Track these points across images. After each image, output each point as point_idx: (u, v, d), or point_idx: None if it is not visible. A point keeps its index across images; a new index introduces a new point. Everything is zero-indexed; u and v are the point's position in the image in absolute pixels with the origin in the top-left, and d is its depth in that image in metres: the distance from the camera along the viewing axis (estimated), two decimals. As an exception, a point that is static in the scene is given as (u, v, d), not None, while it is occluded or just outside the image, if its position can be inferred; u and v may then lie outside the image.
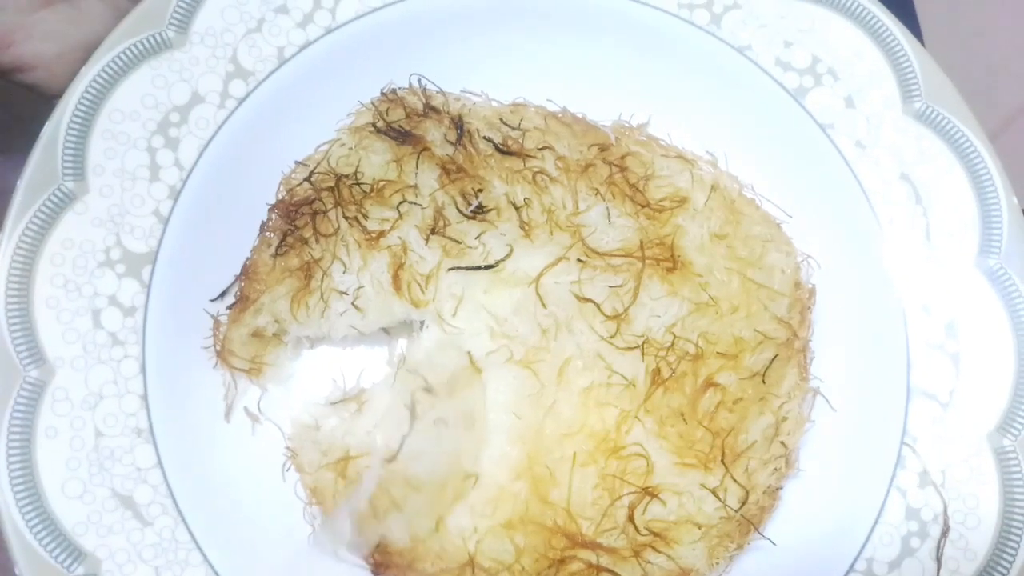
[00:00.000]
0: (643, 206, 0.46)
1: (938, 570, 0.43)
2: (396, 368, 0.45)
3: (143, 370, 0.44)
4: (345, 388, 0.46)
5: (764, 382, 0.45)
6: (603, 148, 0.48)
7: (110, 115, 0.45)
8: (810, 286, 0.48)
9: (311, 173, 0.46)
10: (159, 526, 0.42)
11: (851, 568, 0.44)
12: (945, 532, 0.44)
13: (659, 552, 0.42)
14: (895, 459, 0.46)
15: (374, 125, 0.47)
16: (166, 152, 0.46)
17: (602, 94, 0.51)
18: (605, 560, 0.41)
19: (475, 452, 0.43)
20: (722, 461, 0.43)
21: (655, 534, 0.42)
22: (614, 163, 0.47)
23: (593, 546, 0.41)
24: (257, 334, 0.46)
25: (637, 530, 0.42)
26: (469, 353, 0.44)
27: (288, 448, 0.45)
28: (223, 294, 0.47)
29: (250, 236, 0.47)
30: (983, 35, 0.60)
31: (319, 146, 0.48)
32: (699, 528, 0.42)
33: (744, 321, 0.46)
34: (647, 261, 0.45)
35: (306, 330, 0.46)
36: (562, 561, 0.42)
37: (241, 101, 0.47)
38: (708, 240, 0.47)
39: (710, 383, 0.44)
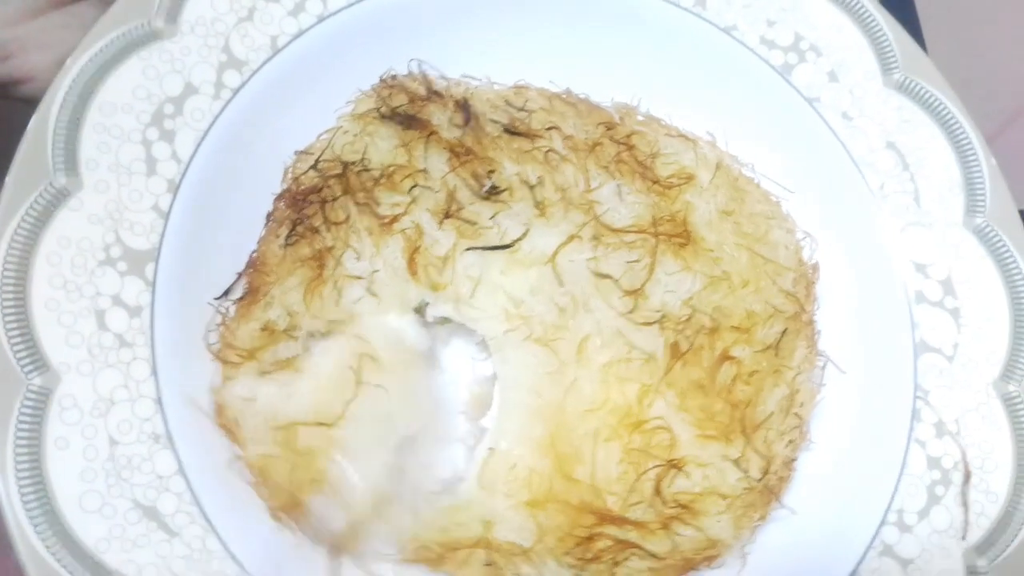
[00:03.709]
0: (654, 182, 0.52)
1: (965, 513, 0.50)
2: (349, 333, 0.48)
3: (155, 372, 0.45)
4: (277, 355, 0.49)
5: (777, 355, 0.51)
6: (609, 127, 0.54)
7: (100, 107, 0.47)
8: (812, 263, 0.55)
9: (317, 160, 0.50)
10: (187, 536, 0.43)
11: (883, 521, 0.50)
12: (967, 477, 0.51)
13: (687, 524, 0.46)
14: (910, 413, 0.52)
15: (378, 111, 0.51)
16: (162, 145, 0.48)
17: (589, 78, 0.57)
18: (633, 535, 0.45)
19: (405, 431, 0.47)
20: (743, 432, 0.48)
21: (682, 506, 0.46)
22: (621, 141, 0.53)
23: (621, 521, 0.45)
24: (267, 328, 0.48)
25: (664, 503, 0.46)
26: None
27: (222, 425, 0.46)
28: (227, 292, 0.49)
29: (254, 228, 0.50)
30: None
31: (321, 134, 0.52)
32: (724, 499, 0.47)
33: (754, 295, 0.52)
34: (660, 237, 0.51)
35: (319, 321, 0.49)
36: (589, 539, 0.46)
37: (236, 91, 0.50)
38: (716, 217, 0.53)
39: (726, 356, 0.50)
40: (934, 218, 0.55)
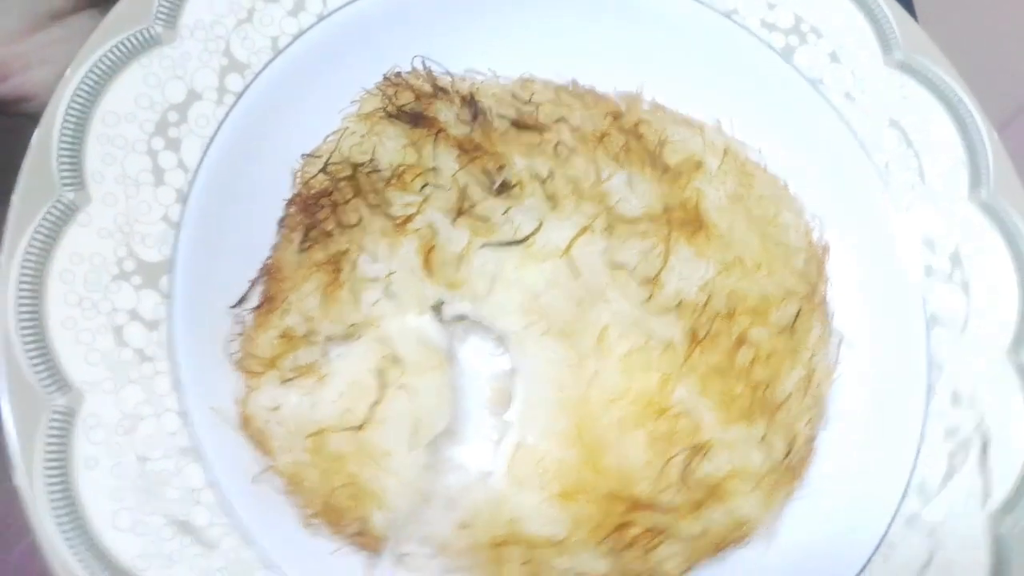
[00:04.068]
0: (664, 170, 0.53)
1: (986, 480, 0.51)
2: (369, 337, 0.48)
3: (177, 386, 0.45)
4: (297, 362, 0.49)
5: (793, 336, 0.52)
6: (616, 117, 0.54)
7: (104, 118, 0.46)
8: (822, 243, 0.56)
9: (326, 163, 0.50)
10: (224, 548, 0.43)
11: (906, 492, 0.51)
12: (985, 445, 0.52)
13: (716, 506, 0.47)
14: (925, 386, 0.53)
15: (384, 110, 0.51)
16: (168, 154, 0.48)
17: (592, 68, 0.57)
18: (664, 520, 0.46)
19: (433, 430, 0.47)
20: (764, 413, 0.49)
21: (710, 489, 0.47)
22: (629, 131, 0.53)
23: (652, 507, 0.46)
24: (286, 335, 0.48)
25: (692, 487, 0.47)
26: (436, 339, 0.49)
27: (249, 436, 0.46)
28: (243, 299, 0.49)
29: (266, 234, 0.50)
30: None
31: (327, 136, 0.51)
32: (750, 480, 0.48)
33: (768, 278, 0.53)
34: (673, 225, 0.52)
35: (338, 326, 0.49)
36: (622, 527, 0.46)
37: (240, 95, 0.50)
38: (726, 202, 0.54)
39: (743, 340, 0.51)
40: (939, 194, 0.56)
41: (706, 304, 0.50)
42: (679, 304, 0.49)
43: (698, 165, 0.53)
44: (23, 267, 0.43)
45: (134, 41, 0.47)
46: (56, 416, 0.42)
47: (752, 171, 0.55)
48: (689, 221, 0.51)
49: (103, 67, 0.47)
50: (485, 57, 0.54)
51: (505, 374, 0.51)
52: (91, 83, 0.46)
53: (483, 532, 0.45)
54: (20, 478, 0.41)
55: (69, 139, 0.45)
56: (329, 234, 0.48)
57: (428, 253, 0.49)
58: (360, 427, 0.46)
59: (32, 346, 0.42)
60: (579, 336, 0.48)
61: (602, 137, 0.53)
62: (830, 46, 0.58)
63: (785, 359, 0.52)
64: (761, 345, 0.50)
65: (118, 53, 0.47)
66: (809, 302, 0.53)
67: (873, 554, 0.50)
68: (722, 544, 0.48)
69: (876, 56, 0.58)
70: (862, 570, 0.49)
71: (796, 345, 0.52)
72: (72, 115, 0.46)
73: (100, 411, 0.43)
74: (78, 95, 0.46)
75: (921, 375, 0.54)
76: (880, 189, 0.57)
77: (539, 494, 0.46)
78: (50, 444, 0.42)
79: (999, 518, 0.50)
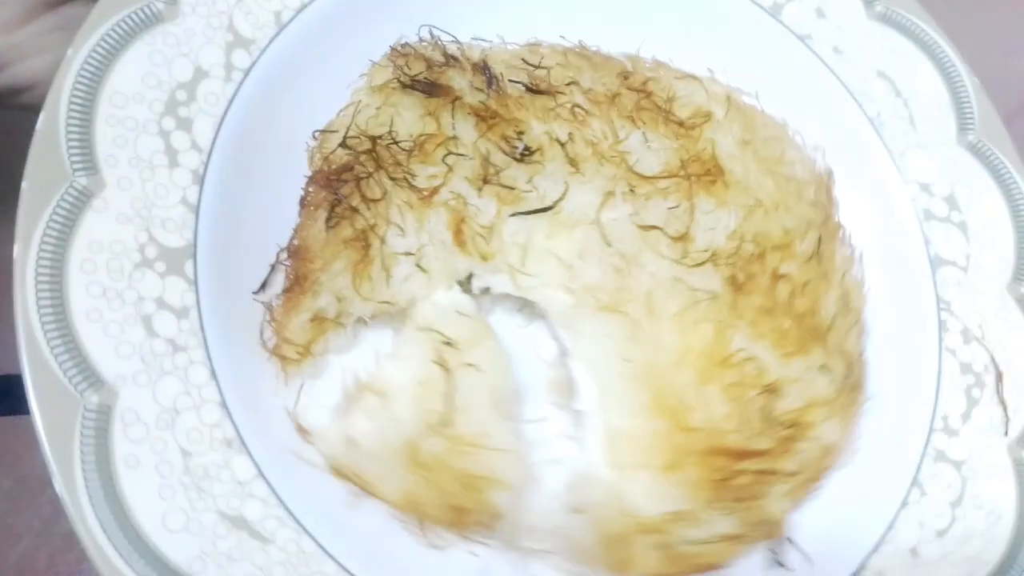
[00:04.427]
0: (679, 125, 0.53)
1: (1004, 411, 0.53)
2: (411, 330, 0.47)
3: (214, 375, 0.43)
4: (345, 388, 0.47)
5: (820, 262, 0.53)
6: (624, 76, 0.54)
7: (111, 99, 0.44)
8: (826, 170, 0.58)
9: (345, 138, 0.48)
10: (281, 541, 0.41)
11: (931, 428, 0.53)
12: (999, 377, 0.54)
13: (802, 439, 0.48)
14: (937, 324, 0.55)
15: (398, 80, 0.50)
16: (180, 134, 0.45)
17: (593, 29, 0.57)
18: (764, 464, 0.47)
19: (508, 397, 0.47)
20: (816, 340, 0.50)
21: (792, 424, 0.48)
22: (639, 89, 0.54)
23: (749, 454, 0.46)
24: (317, 317, 0.46)
25: (776, 426, 0.47)
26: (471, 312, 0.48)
27: (342, 478, 0.45)
28: (264, 285, 0.47)
29: (286, 214, 0.48)
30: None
31: (341, 110, 0.50)
32: (824, 406, 0.49)
33: (786, 214, 0.54)
34: (692, 178, 0.52)
35: (369, 305, 0.47)
36: (729, 480, 0.46)
37: (247, 72, 0.48)
38: (737, 149, 0.54)
39: (777, 276, 0.51)
40: (930, 139, 0.59)
41: (737, 250, 0.50)
42: (713, 255, 0.50)
43: (707, 116, 0.54)
44: (40, 258, 0.40)
45: (135, 19, 0.45)
46: (90, 415, 0.39)
47: (753, 115, 0.56)
48: (707, 172, 0.52)
49: (106, 46, 0.44)
50: (488, 24, 0.54)
51: (557, 360, 0.51)
52: (95, 63, 0.44)
53: (601, 523, 0.45)
54: (59, 484, 0.38)
55: (77, 121, 0.43)
56: (355, 210, 0.46)
57: (459, 224, 0.47)
58: (446, 422, 0.44)
59: (58, 341, 0.40)
60: (628, 305, 0.48)
61: (614, 97, 0.52)
62: (815, 2, 0.59)
63: (820, 285, 0.53)
64: (795, 277, 0.51)
65: (120, 31, 0.44)
66: (826, 228, 0.55)
67: (908, 492, 0.51)
68: (817, 474, 0.49)
69: (859, 10, 0.60)
70: (901, 507, 0.51)
71: (825, 269, 0.53)
72: (78, 96, 0.43)
73: (137, 406, 0.40)
74: (83, 76, 0.43)
75: (932, 313, 0.55)
76: (875, 137, 0.58)
77: (646, 473, 0.45)
78: (87, 445, 0.39)
79: (1020, 448, 0.52)
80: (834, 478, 0.51)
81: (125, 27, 0.45)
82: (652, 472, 0.46)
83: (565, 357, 0.51)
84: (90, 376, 0.40)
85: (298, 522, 0.42)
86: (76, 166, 0.42)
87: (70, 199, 0.42)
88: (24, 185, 0.41)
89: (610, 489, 0.47)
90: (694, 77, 0.56)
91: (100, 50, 0.44)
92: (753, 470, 0.47)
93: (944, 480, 0.52)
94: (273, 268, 0.47)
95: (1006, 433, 0.53)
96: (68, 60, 0.43)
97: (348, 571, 0.42)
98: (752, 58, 0.59)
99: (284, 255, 0.48)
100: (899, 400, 0.53)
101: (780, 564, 0.48)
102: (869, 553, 0.49)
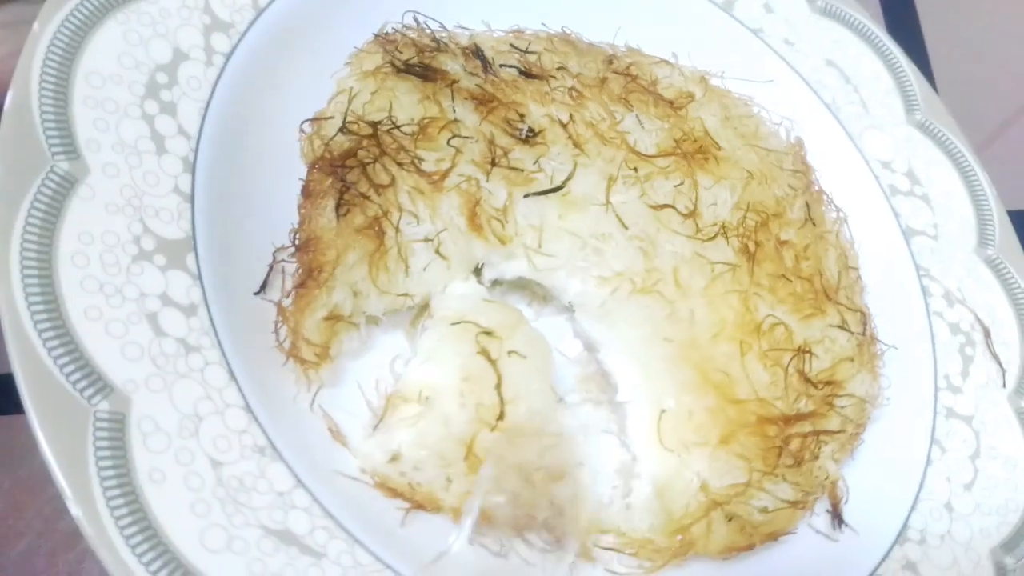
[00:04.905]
0: (669, 105, 0.53)
1: (998, 364, 0.55)
2: (441, 327, 0.44)
3: (233, 377, 0.37)
4: (378, 397, 0.44)
5: (814, 225, 0.54)
6: (609, 61, 0.53)
7: (87, 78, 0.39)
8: (796, 139, 0.59)
9: (344, 123, 0.44)
10: (334, 554, 0.35)
11: (936, 387, 0.53)
12: (987, 333, 0.56)
13: (840, 395, 0.47)
14: (921, 290, 0.57)
15: (392, 65, 0.47)
16: (165, 119, 0.40)
17: (566, 17, 0.56)
18: (811, 425, 0.46)
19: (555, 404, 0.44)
20: (829, 299, 0.50)
21: (828, 383, 0.47)
22: (624, 73, 0.53)
23: (797, 418, 0.45)
24: (332, 315, 0.42)
25: (815, 386, 0.47)
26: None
27: (395, 495, 0.40)
28: (264, 286, 0.42)
29: (284, 202, 0.43)
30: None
31: (333, 97, 0.46)
32: (851, 361, 0.49)
33: (774, 183, 0.54)
34: (689, 156, 0.52)
35: (382, 301, 0.43)
36: (783, 446, 0.45)
37: (228, 56, 0.44)
38: (719, 126, 0.55)
39: (781, 242, 0.51)
40: (883, 120, 0.61)
41: (743, 221, 0.50)
42: (722, 228, 0.49)
43: (690, 96, 0.54)
44: (25, 248, 0.34)
45: (105, -6, 0.40)
46: (102, 424, 0.33)
47: (724, 95, 0.57)
48: (699, 150, 0.52)
49: (76, 21, 0.39)
50: (470, 11, 0.52)
51: (585, 356, 0.49)
52: (65, 38, 0.39)
53: (669, 506, 0.43)
54: (74, 505, 0.32)
55: (51, 101, 0.37)
56: (365, 196, 0.43)
57: (473, 209, 0.45)
58: (501, 416, 0.40)
59: (56, 343, 0.33)
60: (660, 285, 0.46)
61: (603, 82, 0.52)
62: (762, -1, 0.62)
63: (819, 246, 0.53)
64: (795, 243, 0.51)
65: (90, 6, 0.40)
66: (809, 192, 0.56)
67: (930, 450, 0.51)
68: (859, 428, 0.49)
69: (802, 5, 0.63)
70: (927, 465, 0.51)
71: (820, 232, 0.54)
72: (50, 74, 0.38)
73: (154, 413, 0.35)
74: (53, 52, 0.38)
75: (914, 280, 0.57)
76: (833, 121, 0.61)
77: (704, 450, 0.43)
78: (103, 459, 0.33)
79: (1019, 397, 0.54)
80: (861, 449, 0.51)
81: (95, 3, 0.40)
82: (710, 448, 0.44)
83: (594, 352, 0.49)
84: (96, 380, 0.34)
85: (348, 532, 0.36)
86: (55, 149, 0.37)
87: (52, 185, 0.36)
88: (-2, 169, 0.35)
89: (671, 471, 0.44)
90: (667, 62, 0.57)
91: (70, 25, 0.39)
92: (803, 433, 0.46)
93: (959, 436, 0.52)
94: (271, 268, 0.43)
95: (1004, 385, 0.54)
96: (34, 35, 0.38)
97: (410, 582, 0.37)
98: (712, 50, 0.60)
99: (281, 254, 0.43)
100: (903, 365, 0.54)
101: (842, 522, 0.47)
102: (908, 512, 0.49)
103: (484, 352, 0.41)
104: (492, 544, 0.40)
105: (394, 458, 0.40)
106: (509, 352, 0.42)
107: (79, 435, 0.33)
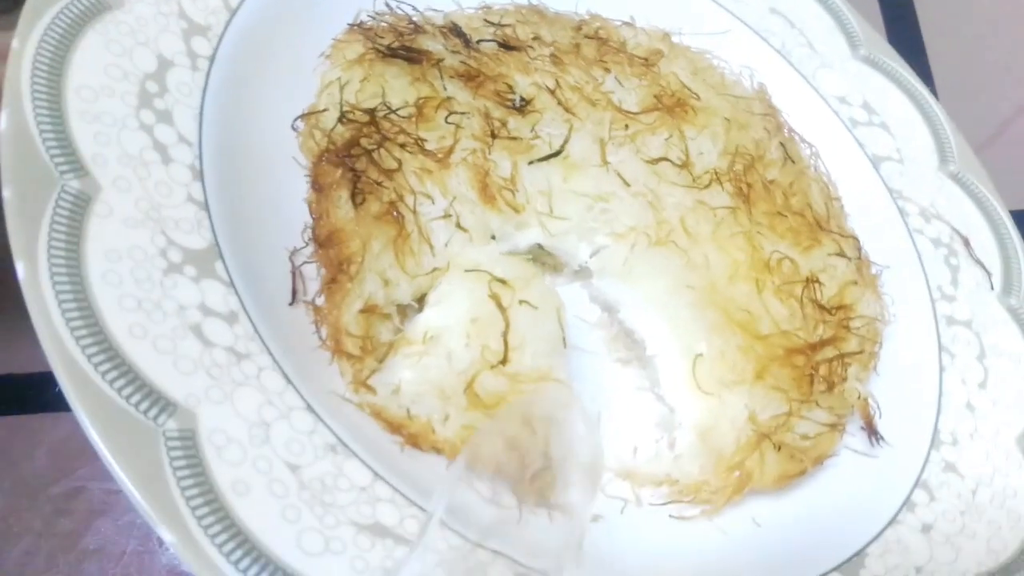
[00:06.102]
0: (644, 62, 0.53)
1: (984, 268, 0.57)
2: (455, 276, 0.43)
3: (288, 379, 0.36)
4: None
5: (794, 162, 0.55)
6: (578, 28, 0.54)
7: (78, 92, 0.36)
8: (758, 85, 0.61)
9: (342, 113, 0.43)
10: (430, 539, 0.34)
11: (932, 298, 0.55)
12: (966, 242, 0.58)
13: (853, 318, 0.49)
14: (897, 211, 0.59)
15: (375, 50, 0.46)
16: (164, 128, 0.38)
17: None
18: (834, 350, 0.47)
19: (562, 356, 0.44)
20: (822, 230, 0.51)
21: (840, 308, 0.48)
22: (595, 37, 0.54)
23: (820, 345, 0.46)
24: (368, 307, 0.40)
25: (829, 313, 0.48)
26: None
27: (391, 428, 0.39)
28: (294, 294, 0.40)
29: (293, 198, 0.42)
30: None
31: (322, 89, 0.45)
32: (855, 284, 0.51)
33: (750, 128, 0.56)
34: (669, 109, 0.52)
35: (416, 281, 0.42)
36: (813, 373, 0.46)
37: (212, 59, 0.42)
38: (691, 79, 0.56)
39: (767, 182, 0.53)
40: (831, 58, 0.64)
41: (732, 165, 0.51)
42: (715, 175, 0.50)
43: (659, 53, 0.55)
44: (55, 273, 0.32)
45: (79, 7, 0.38)
46: (174, 444, 0.31)
47: (685, 50, 0.58)
48: (678, 103, 0.53)
49: (55, 36, 0.37)
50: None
51: (606, 319, 0.49)
52: (48, 54, 0.36)
53: (716, 447, 0.43)
54: (167, 532, 0.30)
55: (48, 118, 0.35)
56: (378, 183, 0.42)
57: (483, 180, 0.44)
58: (504, 361, 0.40)
59: (107, 366, 0.31)
60: (673, 235, 0.47)
61: (577, 47, 0.52)
62: (697, -48, 0.63)
63: (802, 181, 0.55)
64: (781, 181, 0.53)
65: (67, 20, 0.38)
66: (780, 132, 0.57)
67: (940, 357, 0.53)
68: (875, 347, 0.50)
69: (737, -45, 0.65)
70: (941, 371, 0.53)
71: (800, 167, 0.55)
72: (41, 91, 0.36)
73: (222, 425, 0.33)
74: (39, 69, 0.36)
75: (889, 203, 0.59)
76: (786, 65, 0.62)
77: (741, 387, 0.44)
78: (184, 479, 0.31)
79: (1007, 297, 0.57)
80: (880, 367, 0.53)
81: (70, 15, 0.38)
82: (747, 384, 0.45)
83: (614, 313, 0.49)
84: (157, 400, 0.32)
85: (438, 516, 0.35)
86: (62, 168, 0.34)
87: (67, 205, 0.34)
88: (6, 193, 0.33)
89: (713, 413, 0.45)
90: (629, 24, 0.57)
91: (50, 40, 0.37)
92: (828, 359, 0.47)
93: (963, 340, 0.54)
94: (294, 274, 0.41)
95: (992, 287, 0.57)
96: (16, 53, 0.36)
97: (505, 554, 0.36)
98: (664, 11, 0.61)
99: (298, 256, 0.42)
100: (897, 282, 0.56)
101: (879, 436, 0.48)
102: (936, 418, 0.51)
103: (495, 297, 0.41)
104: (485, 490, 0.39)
105: (394, 391, 0.39)
106: (520, 301, 0.41)
107: (154, 459, 0.31)
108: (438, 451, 0.39)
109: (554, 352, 0.42)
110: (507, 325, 0.40)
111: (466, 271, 0.42)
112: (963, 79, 0.65)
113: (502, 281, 0.42)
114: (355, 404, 0.38)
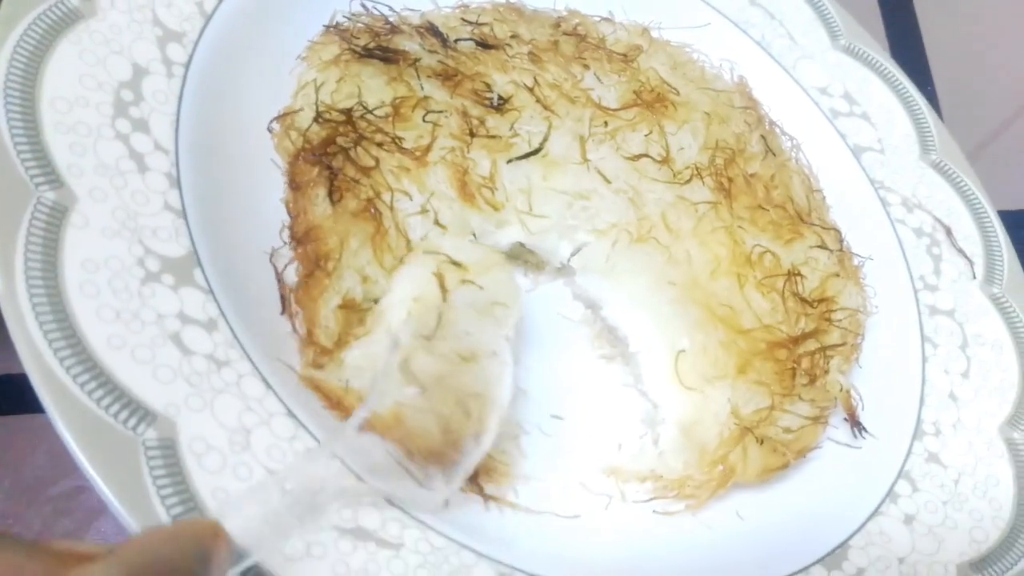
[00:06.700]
0: (623, 59, 0.54)
1: (966, 257, 0.58)
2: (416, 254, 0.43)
3: (268, 385, 0.36)
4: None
5: (774, 156, 0.56)
6: (556, 25, 0.54)
7: (53, 104, 0.37)
8: (738, 78, 0.61)
9: (317, 112, 0.43)
10: (411, 542, 0.34)
11: (914, 288, 0.56)
12: (948, 231, 0.59)
13: (835, 310, 0.49)
14: (879, 201, 0.59)
15: (352, 51, 0.46)
16: (140, 136, 0.38)
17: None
18: (816, 342, 0.47)
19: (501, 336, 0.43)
20: (804, 222, 0.52)
21: (821, 300, 0.49)
22: (574, 33, 0.54)
23: (802, 338, 0.47)
24: (346, 303, 0.41)
25: (811, 306, 0.48)
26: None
27: (322, 394, 0.39)
28: (284, 300, 0.41)
29: (272, 199, 0.42)
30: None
31: (298, 90, 0.45)
32: (837, 277, 0.51)
33: (730, 122, 0.56)
34: (649, 105, 0.53)
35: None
36: (795, 367, 0.47)
37: (187, 66, 0.42)
38: (670, 74, 0.56)
39: (749, 176, 0.53)
40: (811, 49, 0.64)
41: (712, 160, 0.51)
42: (696, 170, 0.50)
43: (638, 48, 0.55)
44: (32, 286, 0.32)
45: (51, 17, 0.38)
46: (154, 453, 0.32)
47: (665, 44, 0.59)
48: (658, 99, 0.53)
49: (28, 47, 0.37)
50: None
51: (589, 316, 0.50)
52: (20, 66, 0.37)
53: (700, 440, 0.44)
54: (147, 540, 0.30)
55: (22, 130, 0.35)
56: (355, 180, 0.42)
57: (462, 178, 0.44)
58: (430, 337, 0.39)
59: (86, 377, 0.32)
60: (654, 231, 0.47)
61: (555, 44, 0.52)
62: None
63: (783, 175, 0.55)
64: (761, 174, 0.53)
65: (39, 31, 0.38)
66: (761, 125, 0.57)
67: (923, 348, 0.54)
68: (857, 338, 0.51)
69: (718, -47, 0.65)
70: (924, 362, 0.53)
71: (781, 160, 0.56)
72: (14, 104, 0.36)
73: (202, 433, 0.33)
74: (11, 81, 0.36)
75: (871, 194, 0.60)
76: (766, 57, 0.63)
77: (724, 382, 0.45)
78: (163, 488, 0.31)
79: (989, 285, 0.57)
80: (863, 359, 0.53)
81: (43, 26, 0.38)
82: (730, 379, 0.45)
83: (597, 310, 0.49)
84: (138, 410, 0.32)
85: (418, 519, 0.36)
86: (37, 180, 0.35)
87: (43, 216, 0.34)
88: (-18, 207, 0.33)
89: (696, 408, 0.45)
90: (608, 19, 0.57)
91: (22, 52, 0.37)
92: (811, 351, 0.48)
93: (946, 330, 0.55)
94: (279, 279, 0.41)
95: (974, 276, 0.57)
96: (-11, 66, 0.36)
97: (489, 557, 0.36)
98: (642, 6, 0.61)
99: (278, 258, 0.42)
100: (880, 273, 0.56)
101: (862, 428, 0.49)
102: (919, 408, 0.51)
103: (439, 276, 0.41)
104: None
105: (338, 365, 0.40)
106: (463, 281, 0.41)
107: (133, 468, 0.31)
108: (371, 427, 0.38)
109: (497, 324, 0.42)
110: (444, 302, 0.40)
111: (424, 252, 0.42)
112: (963, 79, 0.65)
113: (456, 264, 0.42)
114: (299, 378, 0.39)
